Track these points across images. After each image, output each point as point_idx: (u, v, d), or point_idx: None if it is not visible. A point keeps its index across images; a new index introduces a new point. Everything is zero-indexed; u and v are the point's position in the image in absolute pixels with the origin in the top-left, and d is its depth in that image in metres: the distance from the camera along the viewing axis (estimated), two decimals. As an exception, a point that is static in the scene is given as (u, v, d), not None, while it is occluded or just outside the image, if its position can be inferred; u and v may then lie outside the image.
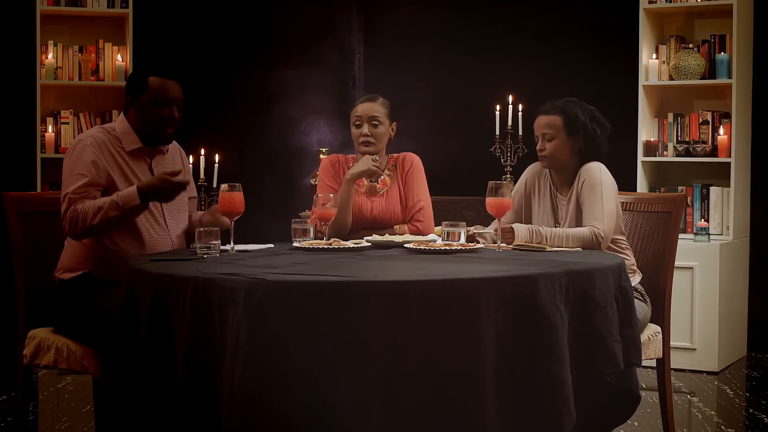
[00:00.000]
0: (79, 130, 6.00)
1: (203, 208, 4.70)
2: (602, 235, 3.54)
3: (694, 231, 5.49)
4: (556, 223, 3.76)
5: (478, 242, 3.63)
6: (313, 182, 5.27)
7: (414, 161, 4.05)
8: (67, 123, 6.00)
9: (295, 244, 3.50)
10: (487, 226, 3.79)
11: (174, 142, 3.68)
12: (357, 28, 6.68)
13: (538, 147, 3.77)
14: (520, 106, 4.56)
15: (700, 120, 5.64)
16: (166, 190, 3.39)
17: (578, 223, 3.67)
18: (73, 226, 3.39)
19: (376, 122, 3.94)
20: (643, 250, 3.90)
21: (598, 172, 3.66)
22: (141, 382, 2.84)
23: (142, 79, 3.54)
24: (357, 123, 3.96)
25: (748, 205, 5.77)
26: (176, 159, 3.72)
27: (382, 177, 4.02)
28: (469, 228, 3.61)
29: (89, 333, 3.36)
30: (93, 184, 3.44)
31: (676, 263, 3.91)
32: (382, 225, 3.98)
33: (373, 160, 3.90)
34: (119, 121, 3.61)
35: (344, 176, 3.95)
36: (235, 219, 3.39)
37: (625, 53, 5.77)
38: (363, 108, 3.96)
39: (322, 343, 2.53)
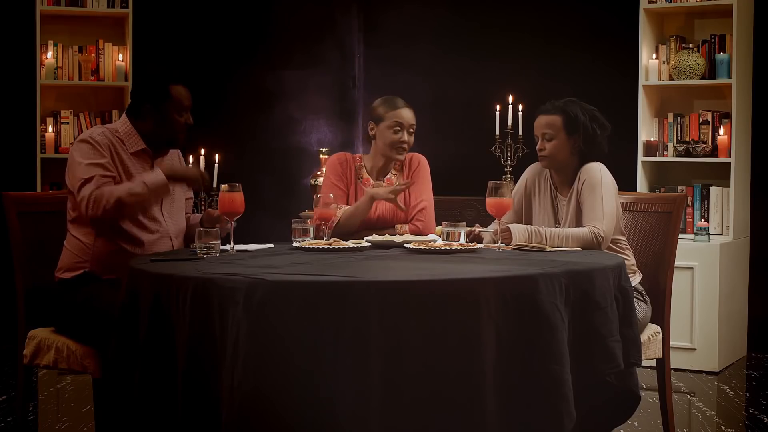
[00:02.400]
0: (79, 130, 6.00)
1: (202, 207, 4.70)
2: (602, 236, 3.54)
3: (694, 231, 5.49)
4: (557, 223, 3.76)
5: (484, 237, 3.63)
6: (313, 182, 5.27)
7: (421, 161, 4.07)
8: (67, 123, 6.00)
9: (295, 244, 3.50)
10: (487, 226, 3.79)
11: None
12: (357, 28, 6.68)
13: (537, 147, 3.77)
14: (520, 106, 4.56)
15: (700, 120, 5.64)
16: (191, 173, 3.44)
17: (578, 223, 3.67)
18: (95, 204, 3.37)
19: (412, 130, 3.98)
20: (643, 250, 3.90)
21: (598, 173, 3.66)
22: (141, 382, 2.84)
23: (164, 88, 3.54)
24: (397, 128, 3.97)
25: (748, 205, 5.77)
26: (175, 161, 3.73)
27: (387, 177, 4.05)
28: (469, 228, 3.61)
29: (90, 332, 3.36)
30: (109, 171, 3.44)
31: (676, 263, 3.91)
32: (386, 225, 3.98)
33: (399, 186, 3.89)
34: (122, 123, 3.60)
35: (352, 176, 3.99)
36: (235, 219, 3.40)
37: (625, 53, 5.77)
38: (407, 115, 3.98)
39: (322, 342, 2.53)
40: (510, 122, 4.59)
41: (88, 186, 3.39)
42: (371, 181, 4.03)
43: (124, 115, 3.63)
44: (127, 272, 3.04)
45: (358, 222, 3.91)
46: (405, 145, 3.98)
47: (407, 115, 3.99)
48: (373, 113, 4.03)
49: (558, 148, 3.72)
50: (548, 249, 3.38)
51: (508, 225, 3.57)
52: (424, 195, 4.02)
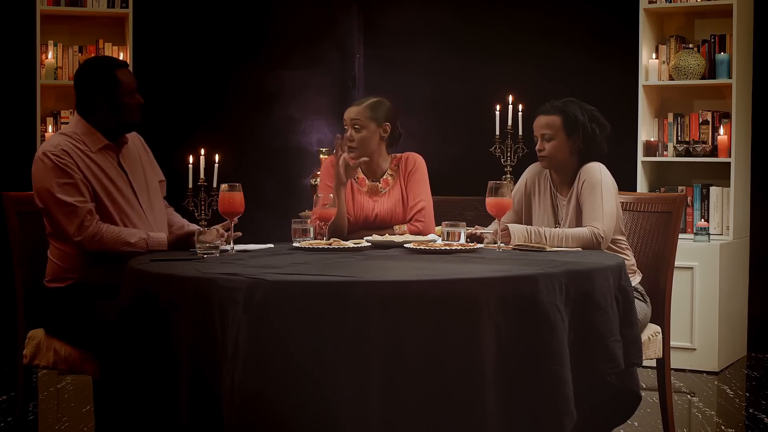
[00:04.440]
0: (79, 130, 6.00)
1: (202, 208, 4.69)
2: (602, 236, 3.54)
3: (694, 231, 5.49)
4: (557, 223, 3.76)
5: (485, 238, 3.63)
6: (313, 182, 5.27)
7: (417, 161, 4.07)
8: (67, 123, 5.99)
9: (295, 244, 3.50)
10: (487, 226, 3.79)
11: (133, 132, 3.70)
12: (357, 28, 6.67)
13: (537, 147, 3.77)
14: (520, 107, 4.54)
15: (700, 120, 5.64)
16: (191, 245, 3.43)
17: (578, 223, 3.67)
18: (96, 242, 3.39)
19: (358, 126, 3.96)
20: (643, 250, 3.90)
21: (598, 173, 3.66)
22: (141, 382, 2.84)
23: (111, 75, 3.53)
24: (345, 127, 4.00)
25: (748, 205, 5.77)
26: (139, 148, 3.72)
27: (384, 177, 4.04)
28: (469, 228, 3.61)
29: (85, 340, 3.35)
30: (89, 194, 3.44)
31: (676, 263, 3.91)
32: (383, 224, 3.99)
33: (346, 157, 3.89)
34: (75, 123, 3.56)
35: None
36: (235, 219, 3.39)
37: (625, 53, 5.77)
38: (347, 112, 4.01)
39: (323, 342, 2.53)
40: (510, 122, 4.58)
41: (78, 215, 3.38)
42: (367, 181, 4.04)
43: (76, 115, 3.59)
44: (126, 273, 3.04)
45: (343, 212, 3.89)
46: (349, 144, 3.97)
47: (348, 111, 4.01)
48: None
49: (557, 148, 3.72)
50: (548, 249, 3.38)
51: (507, 225, 3.57)
52: (422, 195, 4.02)
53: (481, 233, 3.67)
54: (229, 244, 3.38)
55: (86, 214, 3.40)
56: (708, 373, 5.32)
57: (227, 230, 3.45)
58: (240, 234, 3.54)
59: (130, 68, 5.79)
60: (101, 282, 3.41)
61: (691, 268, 5.35)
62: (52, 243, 3.52)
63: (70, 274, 3.48)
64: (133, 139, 3.70)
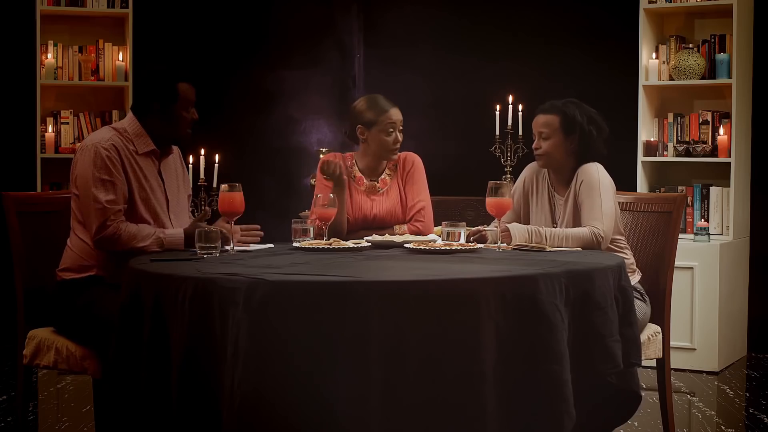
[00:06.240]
0: (79, 130, 6.00)
1: (202, 207, 4.70)
2: (602, 235, 3.54)
3: (694, 231, 5.49)
4: (554, 222, 3.77)
5: (487, 238, 3.62)
6: (312, 182, 5.27)
7: (415, 161, 4.06)
8: (67, 123, 6.00)
9: (295, 244, 3.50)
10: (487, 227, 3.79)
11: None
12: (357, 28, 6.68)
13: (534, 145, 3.77)
14: (520, 107, 4.56)
15: (700, 120, 5.64)
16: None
17: (575, 223, 3.67)
18: (112, 243, 3.40)
19: (402, 127, 3.96)
20: (643, 250, 3.90)
21: (596, 173, 3.66)
22: (144, 382, 2.84)
23: (172, 86, 3.54)
24: (391, 129, 3.93)
25: (748, 205, 5.77)
26: (177, 162, 3.74)
27: (382, 177, 4.03)
28: (470, 228, 3.61)
29: (90, 336, 3.35)
30: (123, 195, 3.45)
31: (676, 263, 3.91)
32: (382, 224, 3.98)
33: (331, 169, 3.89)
34: (130, 122, 3.57)
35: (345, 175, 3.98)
36: (235, 219, 3.40)
37: (625, 53, 5.77)
38: (396, 115, 3.93)
39: (322, 343, 2.53)
40: (510, 122, 4.59)
41: (101, 215, 3.39)
42: (365, 180, 4.03)
43: (131, 114, 3.60)
44: (127, 273, 3.04)
45: (342, 213, 3.88)
46: (398, 145, 3.96)
47: (397, 115, 3.95)
48: (361, 118, 3.93)
49: (553, 147, 3.72)
50: (548, 249, 3.38)
51: (508, 225, 3.57)
52: (422, 195, 4.02)
53: (487, 232, 3.67)
54: (230, 243, 3.38)
55: (112, 215, 3.40)
56: (708, 373, 5.32)
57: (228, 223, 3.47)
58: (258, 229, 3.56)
59: (129, 66, 5.88)
60: (116, 278, 3.41)
61: (691, 268, 5.35)
62: (76, 232, 3.51)
63: (88, 267, 3.48)
64: (175, 152, 3.73)
